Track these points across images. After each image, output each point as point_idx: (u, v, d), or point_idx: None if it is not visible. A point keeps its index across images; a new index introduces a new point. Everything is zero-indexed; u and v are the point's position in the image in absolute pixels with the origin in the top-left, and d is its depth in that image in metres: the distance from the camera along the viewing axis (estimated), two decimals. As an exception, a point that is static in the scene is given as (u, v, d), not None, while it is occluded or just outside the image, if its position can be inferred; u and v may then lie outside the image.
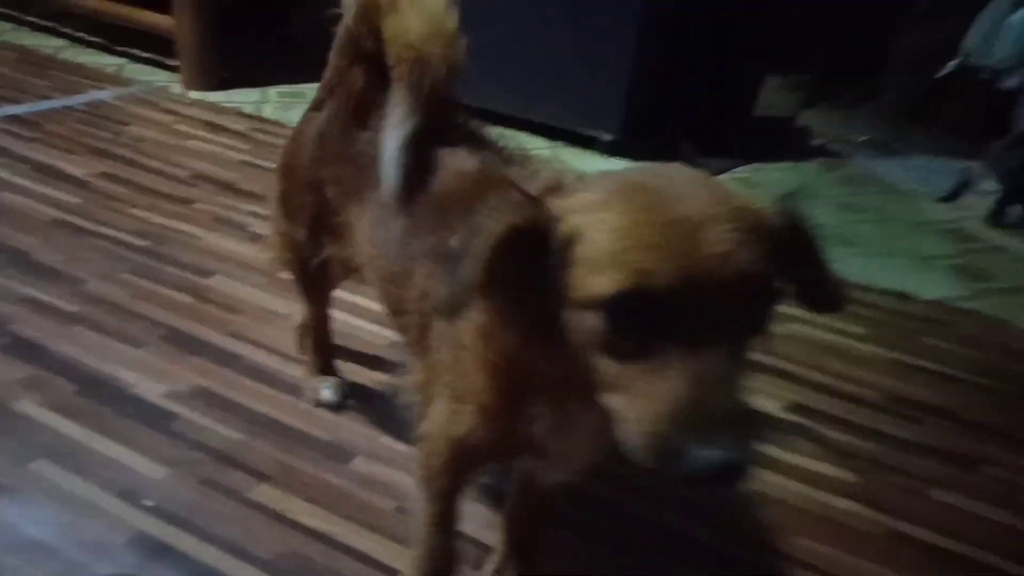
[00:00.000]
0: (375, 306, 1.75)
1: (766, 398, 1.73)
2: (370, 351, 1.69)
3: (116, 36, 3.70)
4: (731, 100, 3.42)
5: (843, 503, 1.46)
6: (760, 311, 0.65)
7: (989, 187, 3.23)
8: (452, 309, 0.71)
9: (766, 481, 1.49)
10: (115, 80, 3.35)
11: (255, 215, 2.28)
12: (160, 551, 1.17)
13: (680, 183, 0.67)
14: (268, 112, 3.26)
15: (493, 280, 0.68)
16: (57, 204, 2.20)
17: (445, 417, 0.93)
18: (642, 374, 0.62)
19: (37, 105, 2.95)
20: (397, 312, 1.08)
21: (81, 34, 3.79)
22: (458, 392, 0.90)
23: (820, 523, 1.40)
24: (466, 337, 0.85)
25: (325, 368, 1.54)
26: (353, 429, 1.47)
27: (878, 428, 1.69)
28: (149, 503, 1.25)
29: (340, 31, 1.17)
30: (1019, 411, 1.82)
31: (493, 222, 0.67)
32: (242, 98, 3.37)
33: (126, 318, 1.72)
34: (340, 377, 1.56)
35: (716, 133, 3.32)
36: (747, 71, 3.35)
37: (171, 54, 3.44)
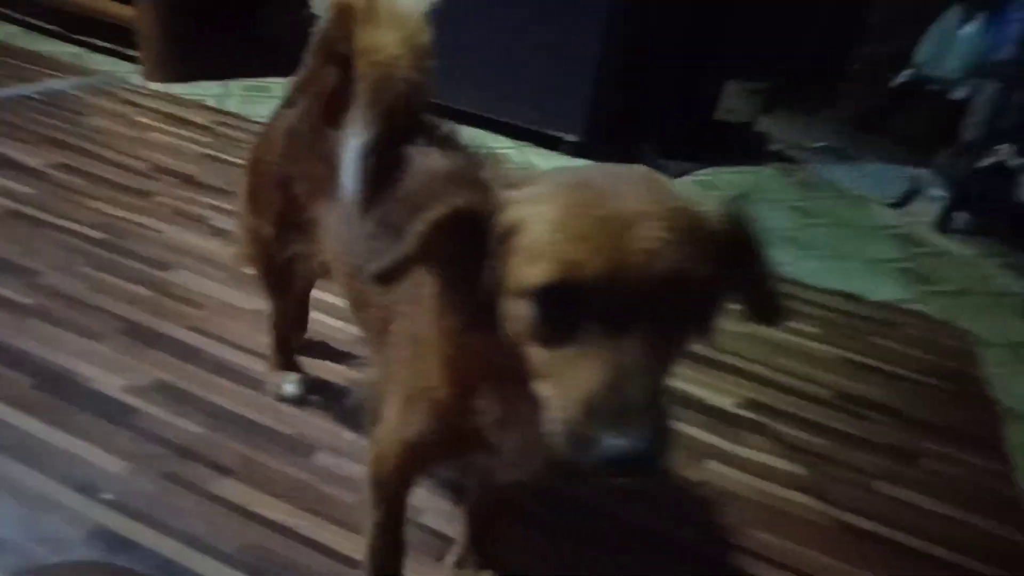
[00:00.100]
0: (338, 302, 1.76)
1: (722, 394, 1.79)
2: (333, 346, 1.70)
3: (73, 24, 3.61)
4: (692, 104, 3.48)
5: (793, 495, 1.51)
6: (687, 309, 0.67)
7: (937, 194, 3.35)
8: (383, 278, 0.72)
9: (721, 475, 1.54)
10: (73, 69, 3.27)
11: (217, 209, 2.26)
12: (120, 544, 1.17)
13: (623, 182, 0.68)
14: (231, 106, 3.22)
15: (431, 258, 0.71)
16: (12, 195, 2.15)
17: (397, 418, 0.94)
18: (566, 363, 0.64)
19: (-10, 93, 2.88)
20: (360, 308, 1.09)
21: (36, 21, 3.69)
22: (411, 390, 0.91)
23: (771, 514, 1.46)
24: (420, 331, 0.86)
25: (288, 363, 1.55)
26: (316, 424, 1.48)
27: (827, 424, 1.75)
28: (108, 497, 1.24)
29: (316, 32, 1.18)
30: (958, 408, 1.91)
31: (439, 204, 0.69)
32: (205, 91, 3.33)
33: (84, 311, 1.70)
34: (303, 372, 1.56)
35: (678, 136, 3.38)
36: (708, 77, 3.42)
37: (131, 44, 3.38)
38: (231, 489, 1.29)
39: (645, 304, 0.62)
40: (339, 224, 1.08)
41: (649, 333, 0.63)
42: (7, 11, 3.75)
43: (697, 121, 3.48)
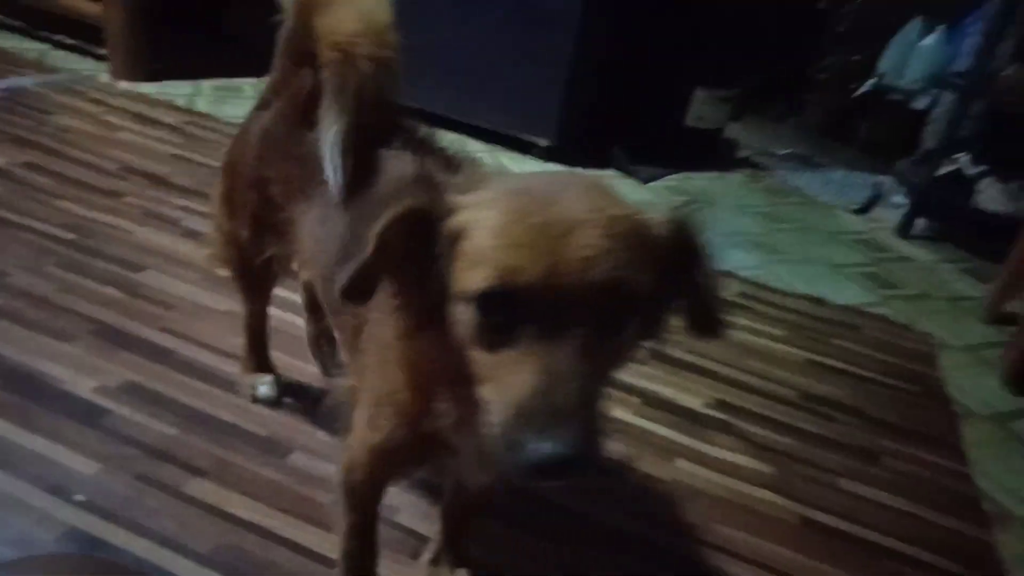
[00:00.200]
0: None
1: (691, 395, 1.82)
2: (306, 347, 1.70)
3: (38, 20, 3.55)
4: (663, 111, 3.54)
5: (760, 493, 1.55)
6: (625, 316, 0.67)
7: (899, 201, 3.44)
8: (349, 291, 0.72)
9: (690, 473, 1.57)
10: (37, 67, 3.22)
11: (187, 210, 2.24)
12: (92, 546, 1.16)
13: (567, 189, 0.68)
14: (201, 106, 3.20)
15: (390, 265, 0.71)
16: (-24, 194, 2.12)
17: (365, 424, 0.94)
18: (504, 367, 0.65)
19: (-48, 90, 2.82)
20: (335, 312, 1.10)
21: (-1, 17, 3.63)
22: (377, 395, 0.92)
23: (739, 511, 1.49)
24: (386, 336, 0.86)
25: (262, 365, 1.55)
26: (290, 424, 1.48)
27: (793, 424, 1.80)
28: (80, 498, 1.23)
29: (282, 32, 1.18)
30: (918, 408, 1.97)
31: (390, 207, 0.70)
32: (174, 91, 3.29)
33: (54, 312, 1.68)
34: (277, 373, 1.56)
35: (648, 142, 3.43)
36: (679, 84, 3.47)
37: (98, 42, 3.33)
38: (205, 490, 1.28)
39: (581, 310, 0.64)
40: (316, 224, 1.09)
41: (585, 339, 0.64)
42: (-32, 7, 3.67)
43: (668, 127, 3.53)
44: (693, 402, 1.80)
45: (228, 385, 1.55)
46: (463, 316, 0.68)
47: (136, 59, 3.31)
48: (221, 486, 1.30)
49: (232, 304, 1.80)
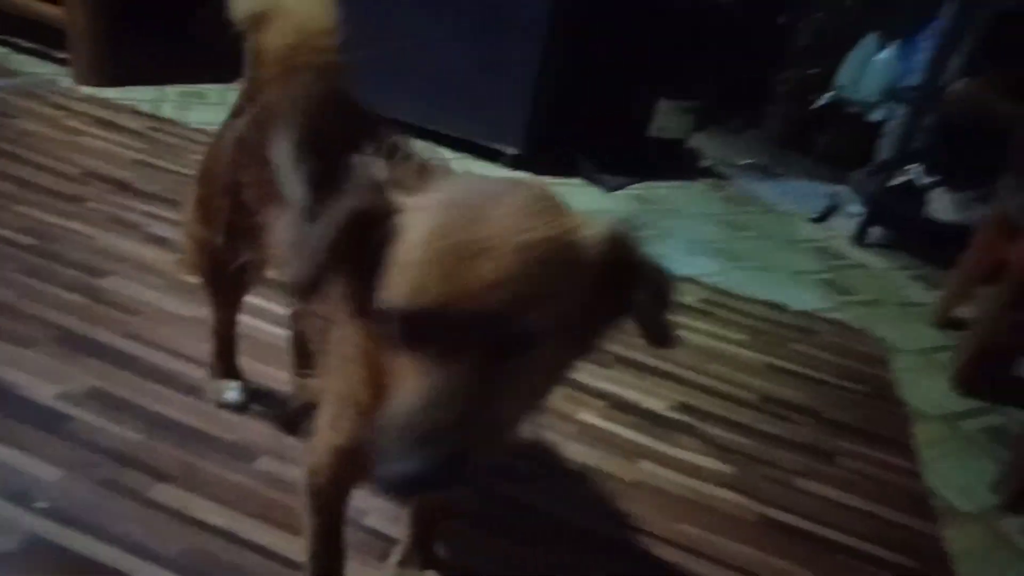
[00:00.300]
0: (280, 308, 1.77)
1: (655, 398, 1.86)
2: (275, 353, 1.70)
3: (-5, 23, 3.49)
4: (627, 121, 3.60)
5: (721, 492, 1.59)
6: (528, 343, 0.67)
7: (855, 210, 3.54)
8: (300, 288, 0.74)
9: (654, 474, 1.60)
10: (-4, 70, 3.17)
11: (152, 216, 2.22)
12: (55, 552, 1.15)
13: (501, 205, 0.68)
14: (166, 111, 3.17)
15: (338, 263, 0.73)
16: (-67, 198, 2.08)
17: (328, 425, 0.95)
18: (404, 375, 0.67)
19: (-93, 93, 2.76)
20: (305, 316, 1.11)
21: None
22: (339, 396, 0.92)
23: (701, 510, 1.53)
24: (348, 335, 0.87)
25: (229, 371, 1.54)
26: (257, 429, 1.48)
27: (753, 425, 1.85)
28: (42, 505, 1.22)
29: (247, 45, 1.20)
30: (872, 410, 2.04)
31: (338, 207, 0.72)
32: (138, 95, 3.26)
33: (14, 318, 1.65)
34: (244, 379, 1.56)
35: (613, 151, 3.48)
36: (643, 95, 3.54)
37: (60, 45, 3.28)
38: (171, 495, 1.28)
39: (478, 334, 0.64)
40: (284, 231, 1.10)
41: (477, 363, 0.65)
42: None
43: (632, 137, 3.59)
44: (657, 405, 1.84)
45: (194, 391, 1.55)
46: (384, 320, 0.69)
47: (99, 63, 3.27)
48: (188, 491, 1.30)
49: (198, 310, 1.79)
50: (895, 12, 4.34)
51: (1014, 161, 2.62)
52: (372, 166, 0.94)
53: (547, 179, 3.28)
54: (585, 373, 1.89)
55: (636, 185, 3.44)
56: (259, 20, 1.06)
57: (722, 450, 1.73)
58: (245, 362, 1.59)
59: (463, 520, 1.36)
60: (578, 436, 1.67)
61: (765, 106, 4.73)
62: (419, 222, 0.68)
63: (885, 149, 3.82)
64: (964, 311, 2.65)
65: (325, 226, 0.71)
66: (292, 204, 1.00)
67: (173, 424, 1.45)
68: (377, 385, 0.84)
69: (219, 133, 1.28)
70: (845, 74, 4.42)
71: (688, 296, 2.45)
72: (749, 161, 4.19)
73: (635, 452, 1.66)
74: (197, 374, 1.58)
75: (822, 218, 3.52)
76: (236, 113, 1.24)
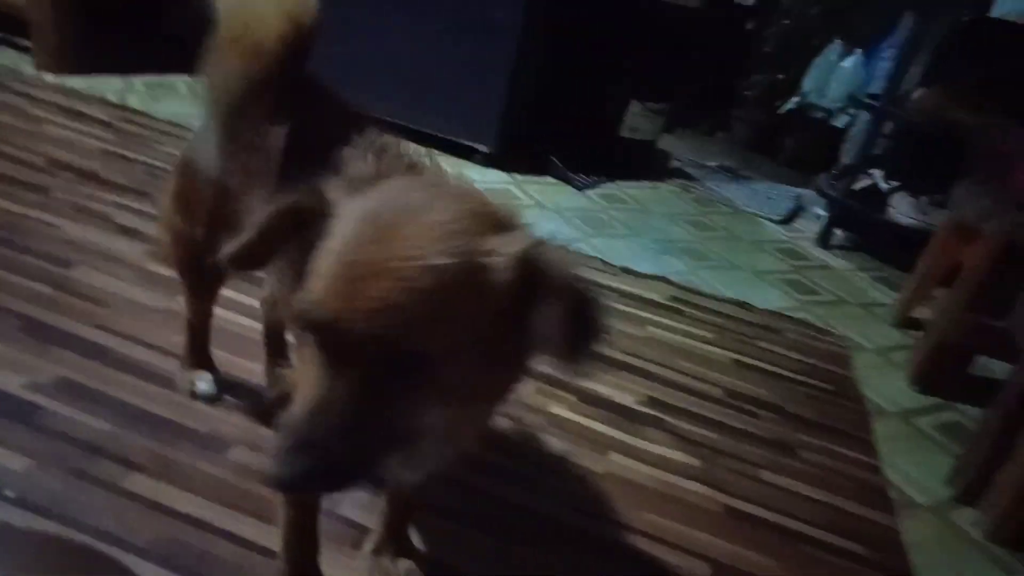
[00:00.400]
0: (250, 300, 1.76)
1: (625, 392, 1.90)
2: (247, 345, 1.69)
3: (-45, 9, 3.40)
4: (599, 122, 3.64)
5: (688, 484, 1.63)
6: (415, 365, 0.68)
7: (819, 212, 3.63)
8: (231, 262, 0.80)
9: (623, 465, 1.64)
10: (-43, 57, 3.09)
11: (120, 207, 2.20)
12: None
13: (414, 221, 0.68)
14: (133, 102, 3.13)
15: (275, 250, 0.78)
16: None
17: None
18: (303, 376, 0.70)
19: None
20: (284, 304, 1.12)
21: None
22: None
23: (668, 502, 1.56)
24: None
25: (202, 362, 1.54)
26: (230, 420, 1.48)
27: (719, 419, 1.89)
28: (10, 494, 1.20)
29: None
30: (833, 406, 2.10)
31: (279, 201, 0.76)
32: (104, 85, 3.21)
33: (-22, 308, 1.63)
34: (216, 370, 1.56)
35: (585, 150, 3.52)
36: (614, 97, 3.58)
37: (22, 32, 3.22)
38: (143, 485, 1.27)
39: (364, 353, 0.67)
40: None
41: (368, 377, 0.67)
42: None
43: (603, 137, 3.64)
44: (626, 399, 1.87)
45: (165, 382, 1.54)
46: (294, 321, 0.73)
47: (62, 51, 3.21)
48: (160, 481, 1.29)
49: (167, 301, 1.79)
50: (859, 21, 4.46)
51: (970, 168, 2.71)
52: (355, 161, 0.96)
53: (519, 177, 3.31)
54: (556, 368, 1.91)
55: (607, 184, 3.49)
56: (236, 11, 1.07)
57: (689, 443, 1.77)
58: (218, 354, 1.58)
59: (434, 510, 1.37)
60: (549, 429, 1.69)
61: (733, 110, 4.82)
62: (338, 231, 0.71)
63: (848, 154, 3.92)
64: (922, 312, 2.74)
65: (263, 216, 0.76)
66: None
67: (144, 415, 1.44)
68: None
69: (203, 123, 1.28)
70: (810, 80, 4.52)
71: (657, 294, 2.49)
72: (717, 163, 4.26)
73: (605, 444, 1.69)
74: (168, 365, 1.57)
75: (787, 220, 3.60)
76: None
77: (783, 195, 3.90)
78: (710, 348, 2.23)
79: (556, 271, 0.70)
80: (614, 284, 2.49)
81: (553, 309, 0.69)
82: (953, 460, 1.93)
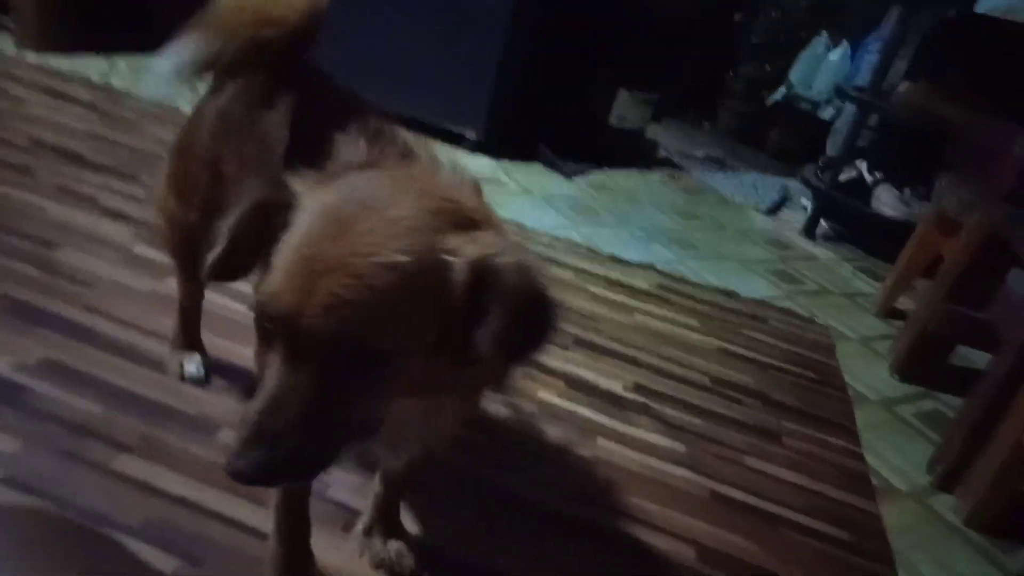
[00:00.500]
0: (241, 284, 1.75)
1: (612, 379, 1.91)
2: (236, 328, 1.69)
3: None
4: (587, 110, 3.64)
5: (674, 469, 1.65)
6: (372, 361, 0.69)
7: (805, 203, 3.66)
8: (211, 274, 0.80)
9: (610, 451, 1.65)
10: (-65, 33, 3.03)
11: (105, 188, 2.18)
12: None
13: (373, 217, 0.68)
14: (117, 83, 3.09)
15: (252, 251, 0.76)
16: None
17: None
18: (264, 368, 0.71)
19: None
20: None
21: None
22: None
23: (654, 486, 1.58)
24: None
25: (192, 344, 1.53)
26: (219, 403, 1.48)
27: (704, 406, 1.91)
28: (1, 474, 1.20)
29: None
30: (816, 394, 2.13)
31: (242, 204, 0.77)
32: (87, 65, 3.16)
33: (-37, 288, 1.61)
34: (205, 353, 1.55)
35: (573, 139, 3.53)
36: (603, 85, 3.59)
37: (2, 10, 3.17)
38: (133, 466, 1.27)
39: (319, 348, 0.67)
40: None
41: (322, 373, 0.68)
42: None
43: (591, 125, 3.64)
44: (614, 385, 1.89)
45: (153, 364, 1.53)
46: (255, 314, 0.73)
47: (44, 29, 3.16)
48: (150, 462, 1.29)
49: (154, 284, 1.78)
50: (846, 14, 4.48)
51: (952, 161, 2.75)
52: (346, 147, 0.96)
53: (507, 164, 3.31)
54: (546, 354, 1.92)
55: (595, 172, 3.49)
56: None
57: (675, 429, 1.79)
58: (207, 337, 1.58)
59: (424, 492, 1.38)
60: (538, 414, 1.71)
61: (721, 100, 4.84)
62: (298, 225, 0.71)
63: (833, 146, 3.95)
64: (905, 302, 2.78)
65: (231, 221, 0.76)
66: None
67: (132, 397, 1.43)
68: None
69: (198, 108, 1.28)
70: (797, 72, 4.55)
71: (644, 282, 2.51)
72: (704, 153, 4.28)
73: (592, 430, 1.71)
74: (156, 347, 1.56)
75: (773, 210, 3.63)
76: (216, 89, 1.23)
77: (769, 185, 3.93)
78: (696, 336, 2.25)
79: (509, 279, 0.70)
80: (602, 272, 2.50)
81: (496, 318, 0.69)
82: (933, 448, 1.96)
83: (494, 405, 1.68)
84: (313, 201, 0.72)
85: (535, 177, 3.27)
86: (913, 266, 2.68)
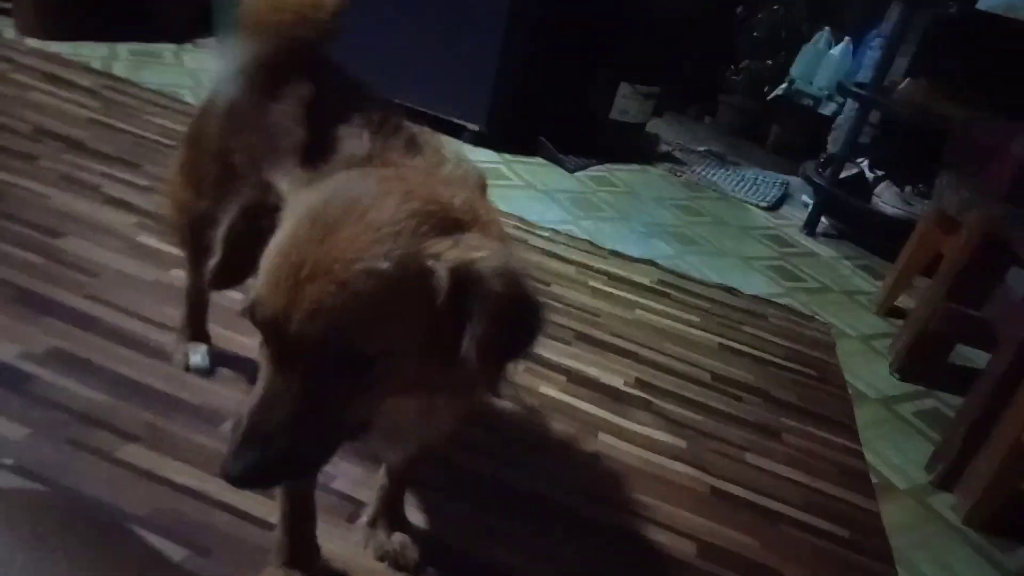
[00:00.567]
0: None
1: (613, 374, 1.92)
2: (243, 320, 1.69)
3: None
4: (589, 104, 3.64)
5: (674, 465, 1.66)
6: (353, 365, 0.69)
7: (806, 200, 3.66)
8: (212, 284, 0.82)
9: (611, 446, 1.66)
10: (-64, 18, 3.01)
11: (108, 177, 2.17)
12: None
13: (358, 220, 0.68)
14: (119, 70, 3.07)
15: (249, 259, 0.76)
16: None
17: None
18: (260, 369, 0.72)
19: None
20: None
21: None
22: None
23: (655, 481, 1.59)
24: None
25: (198, 334, 1.53)
26: (224, 394, 1.48)
27: (705, 402, 1.92)
28: (8, 462, 1.20)
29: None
30: (815, 391, 2.14)
31: (231, 209, 0.78)
32: (88, 52, 3.15)
33: (-33, 276, 1.61)
34: (211, 344, 1.55)
35: (574, 133, 3.53)
36: (604, 79, 3.58)
37: (2, -6, 3.15)
38: (138, 455, 1.28)
39: (306, 352, 0.68)
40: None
41: (310, 375, 0.69)
42: None
43: (593, 120, 3.64)
44: (615, 381, 1.90)
45: (158, 354, 1.53)
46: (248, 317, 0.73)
47: (45, 15, 3.14)
48: (155, 451, 1.29)
49: (158, 273, 1.78)
50: (848, 9, 4.48)
51: (951, 160, 2.75)
52: (351, 139, 0.96)
53: (509, 157, 3.31)
54: (547, 349, 1.93)
55: (596, 167, 3.49)
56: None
57: (676, 425, 1.80)
58: (212, 328, 1.58)
59: (428, 486, 1.39)
60: (540, 409, 1.72)
61: (722, 95, 4.83)
62: (284, 228, 0.72)
63: (835, 142, 3.96)
64: (905, 301, 2.79)
65: (222, 229, 0.78)
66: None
67: (138, 386, 1.44)
68: None
69: (209, 98, 1.28)
70: (799, 67, 4.54)
71: (645, 277, 2.51)
72: (705, 148, 4.27)
73: (594, 425, 1.72)
74: (160, 337, 1.57)
75: (774, 207, 3.64)
76: (239, 83, 1.24)
77: (770, 182, 3.93)
78: (697, 332, 2.26)
79: (491, 283, 0.70)
80: (603, 267, 2.51)
81: (479, 323, 0.70)
82: (932, 446, 1.98)
83: (496, 401, 1.69)
84: (298, 204, 0.73)
85: (536, 171, 3.27)
86: (913, 264, 2.69)
